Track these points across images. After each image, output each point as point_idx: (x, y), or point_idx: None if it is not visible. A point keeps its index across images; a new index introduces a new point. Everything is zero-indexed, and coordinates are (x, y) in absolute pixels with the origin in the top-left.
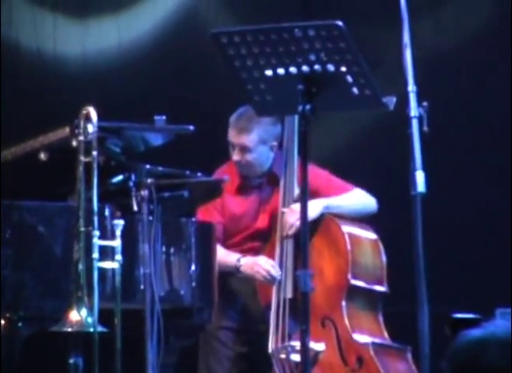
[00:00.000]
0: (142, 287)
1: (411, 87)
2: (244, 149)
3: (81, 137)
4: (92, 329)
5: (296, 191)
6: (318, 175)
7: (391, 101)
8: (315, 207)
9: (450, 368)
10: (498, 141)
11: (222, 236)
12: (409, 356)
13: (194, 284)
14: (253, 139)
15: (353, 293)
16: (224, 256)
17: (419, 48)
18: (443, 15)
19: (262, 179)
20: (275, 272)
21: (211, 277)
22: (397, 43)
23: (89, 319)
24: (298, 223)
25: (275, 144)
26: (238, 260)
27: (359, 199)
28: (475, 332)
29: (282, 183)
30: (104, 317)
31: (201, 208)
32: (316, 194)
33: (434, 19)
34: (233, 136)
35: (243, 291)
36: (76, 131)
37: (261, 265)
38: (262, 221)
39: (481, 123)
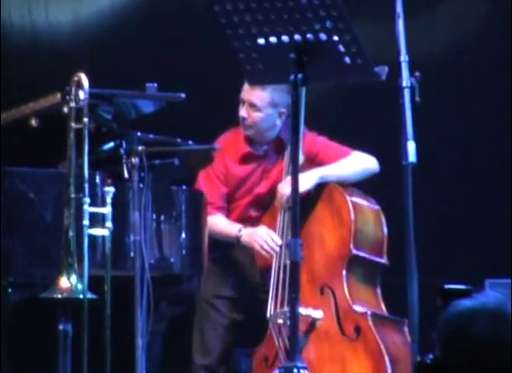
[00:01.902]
0: (132, 254)
1: (403, 57)
2: (253, 106)
3: (72, 104)
4: (81, 296)
5: (301, 158)
6: (317, 141)
7: (382, 70)
8: (310, 178)
9: (440, 338)
10: (490, 111)
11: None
12: (406, 329)
13: (184, 251)
14: (264, 98)
15: (354, 263)
16: (226, 226)
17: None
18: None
19: (268, 147)
20: (273, 243)
21: (201, 245)
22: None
23: (79, 286)
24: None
25: (285, 111)
26: (239, 231)
27: (358, 162)
28: (466, 303)
29: (286, 154)
30: (94, 284)
31: (203, 176)
32: (316, 160)
33: (428, 20)
34: (245, 91)
35: (242, 261)
36: (67, 98)
37: (260, 235)
38: (263, 187)
39: (473, 93)
